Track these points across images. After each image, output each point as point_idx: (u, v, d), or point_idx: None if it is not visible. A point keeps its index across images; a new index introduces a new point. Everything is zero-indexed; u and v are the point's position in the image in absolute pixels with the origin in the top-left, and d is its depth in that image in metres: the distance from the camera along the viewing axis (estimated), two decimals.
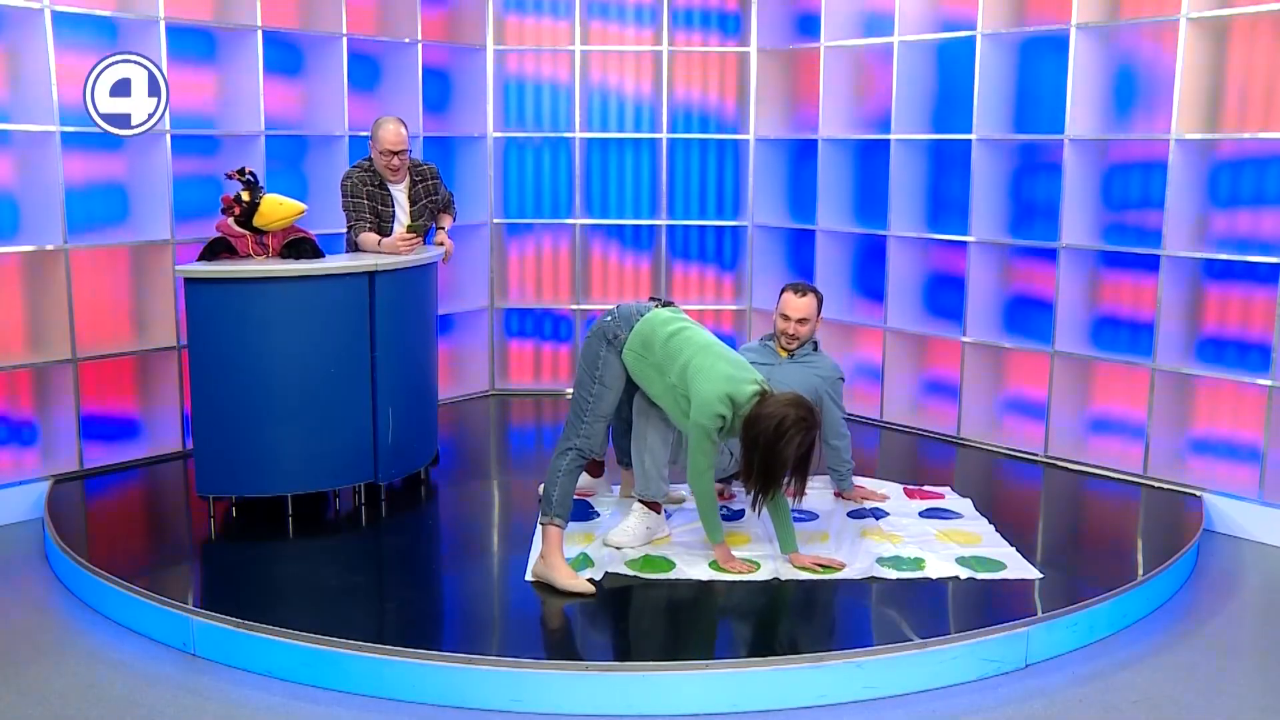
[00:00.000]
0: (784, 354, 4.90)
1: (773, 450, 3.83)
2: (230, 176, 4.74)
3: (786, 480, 3.91)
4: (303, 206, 4.76)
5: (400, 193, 5.22)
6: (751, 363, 4.30)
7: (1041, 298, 5.79)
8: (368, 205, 5.10)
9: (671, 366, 4.07)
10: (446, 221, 5.48)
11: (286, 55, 6.03)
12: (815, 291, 4.91)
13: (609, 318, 4.24)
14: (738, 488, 4.94)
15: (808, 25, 6.63)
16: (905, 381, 6.34)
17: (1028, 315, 5.91)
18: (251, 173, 4.74)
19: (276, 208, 4.69)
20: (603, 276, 7.04)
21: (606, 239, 7.01)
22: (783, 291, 4.91)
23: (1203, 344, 5.33)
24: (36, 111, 5.07)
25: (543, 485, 4.18)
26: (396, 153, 5.09)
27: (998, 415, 6.03)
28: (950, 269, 6.15)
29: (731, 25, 6.87)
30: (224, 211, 4.71)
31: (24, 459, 5.26)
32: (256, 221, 4.68)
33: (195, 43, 5.66)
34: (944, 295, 6.23)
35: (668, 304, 4.35)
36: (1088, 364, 5.61)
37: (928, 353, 6.31)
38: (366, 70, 6.34)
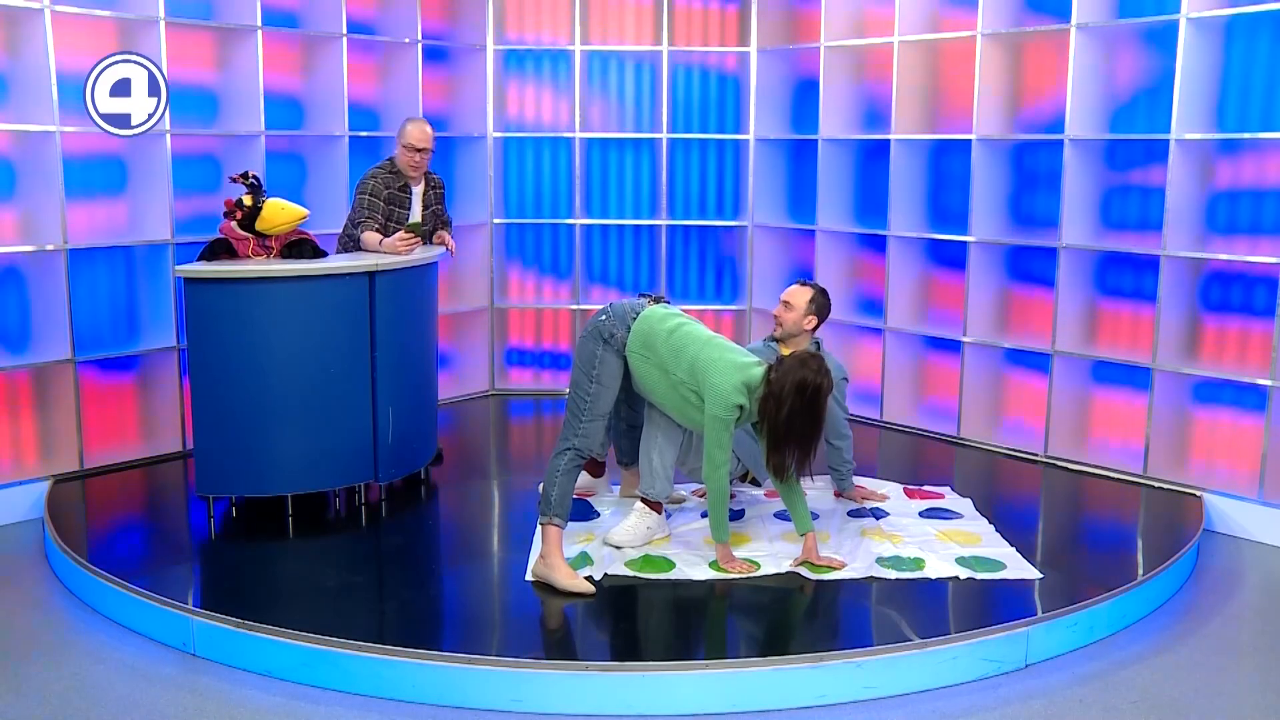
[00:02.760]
0: (787, 353, 4.89)
1: (810, 412, 3.91)
2: (234, 180, 4.74)
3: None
4: (305, 212, 4.76)
5: (416, 198, 5.28)
6: None
7: (1041, 297, 5.78)
8: (383, 208, 5.13)
9: (677, 364, 4.08)
10: (444, 236, 5.50)
11: (288, 56, 6.03)
12: (817, 288, 4.90)
13: (603, 316, 4.24)
14: (738, 488, 4.95)
15: (807, 26, 6.64)
16: (905, 381, 6.34)
17: (1028, 314, 5.91)
18: (255, 176, 4.74)
19: (279, 212, 4.69)
20: (603, 276, 7.04)
21: (606, 239, 7.01)
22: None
23: (1203, 344, 5.33)
24: (36, 112, 5.07)
25: (542, 485, 4.18)
26: (420, 149, 5.17)
27: (998, 415, 6.03)
28: (950, 268, 6.15)
29: (731, 36, 6.87)
30: (226, 215, 4.71)
31: (24, 459, 5.26)
32: (259, 226, 4.68)
33: (195, 44, 5.66)
34: (944, 295, 6.23)
35: (658, 300, 4.36)
36: (1088, 363, 5.61)
37: (928, 352, 6.31)
38: (367, 70, 6.34)
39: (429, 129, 5.22)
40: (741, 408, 3.99)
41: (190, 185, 5.61)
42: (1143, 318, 5.45)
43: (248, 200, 4.67)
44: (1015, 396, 5.98)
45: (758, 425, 4.06)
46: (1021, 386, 5.93)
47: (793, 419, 3.91)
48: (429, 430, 5.27)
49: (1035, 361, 5.76)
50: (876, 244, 6.35)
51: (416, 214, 5.28)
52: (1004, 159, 5.88)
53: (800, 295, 4.84)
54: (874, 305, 6.44)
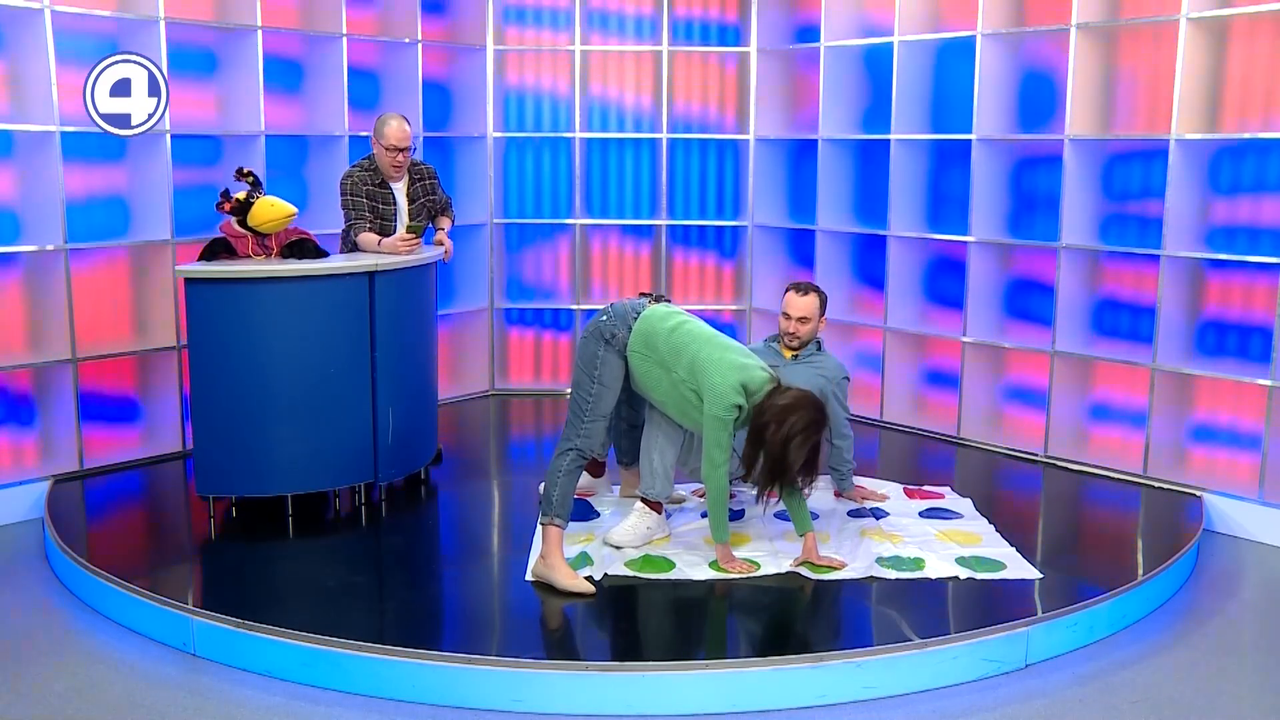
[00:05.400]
0: (789, 354, 4.90)
1: (782, 454, 3.86)
2: (238, 176, 4.76)
3: (798, 477, 3.95)
4: (293, 210, 4.74)
5: (399, 192, 5.22)
6: None
7: (1041, 297, 5.79)
8: (367, 205, 5.09)
9: (677, 362, 4.07)
10: (445, 223, 5.48)
11: (287, 55, 6.03)
12: (818, 291, 4.91)
13: (604, 317, 4.24)
14: (738, 488, 4.94)
15: (807, 26, 6.64)
16: (905, 382, 6.34)
17: (1028, 315, 5.91)
18: (252, 172, 4.75)
19: (268, 209, 4.69)
20: (603, 276, 7.04)
21: (606, 239, 7.01)
22: (786, 291, 4.93)
23: (1203, 345, 5.33)
24: (36, 112, 5.07)
25: (543, 485, 4.18)
26: (402, 149, 5.09)
27: (998, 415, 6.03)
28: (950, 269, 6.15)
29: (731, 36, 6.87)
30: (218, 208, 4.72)
31: (24, 459, 5.26)
32: (250, 221, 4.69)
33: (195, 43, 5.66)
34: (944, 295, 6.23)
35: (659, 299, 4.35)
36: (1088, 364, 5.61)
37: (928, 353, 6.31)
38: (365, 70, 6.34)
39: (407, 126, 5.10)
40: (740, 408, 3.98)
41: (190, 185, 5.60)
42: (1143, 317, 5.45)
43: (240, 196, 4.69)
44: (1015, 396, 5.98)
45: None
46: (1022, 386, 5.93)
47: (768, 455, 3.88)
48: (429, 430, 5.27)
49: (1035, 361, 5.75)
50: (876, 244, 6.35)
51: (402, 209, 5.22)
52: (1004, 159, 5.88)
53: (810, 305, 4.85)
54: (874, 305, 6.43)
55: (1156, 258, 5.20)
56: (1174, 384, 5.28)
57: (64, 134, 5.08)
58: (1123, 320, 5.60)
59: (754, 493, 3.97)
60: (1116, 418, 5.59)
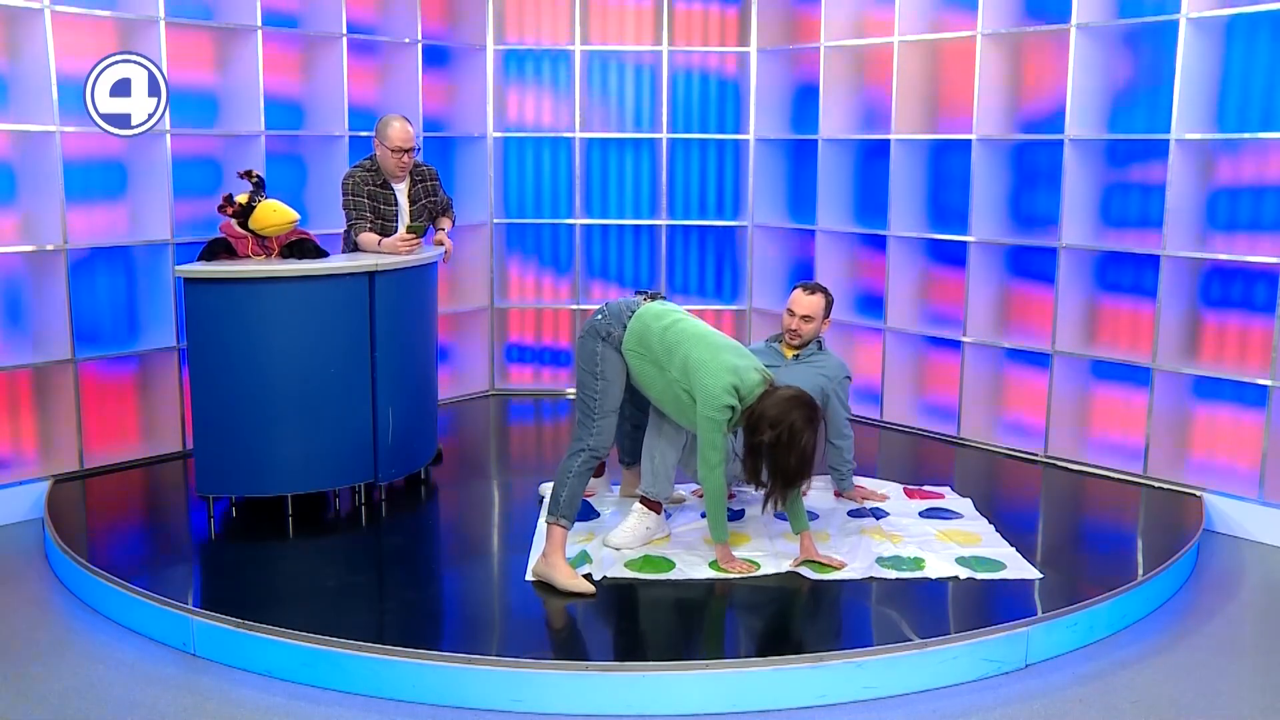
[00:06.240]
0: (790, 354, 4.90)
1: (783, 463, 3.86)
2: (241, 176, 4.76)
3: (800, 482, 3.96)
4: (295, 216, 4.75)
5: (400, 193, 5.22)
6: None
7: (1041, 297, 5.78)
8: (369, 205, 5.09)
9: (671, 360, 4.06)
10: (446, 224, 5.48)
11: (288, 56, 6.03)
12: (825, 292, 4.91)
13: (600, 315, 4.23)
14: (738, 488, 4.94)
15: (807, 26, 6.64)
16: (905, 381, 6.34)
17: (1028, 314, 5.91)
18: (259, 176, 4.76)
19: (270, 214, 4.69)
20: (603, 276, 7.04)
21: (606, 239, 7.01)
22: (794, 288, 4.94)
23: (1203, 343, 5.33)
24: (37, 112, 5.07)
25: (548, 485, 4.17)
26: (406, 150, 5.09)
27: (998, 415, 6.02)
28: (950, 268, 6.15)
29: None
30: (220, 210, 4.72)
31: (24, 459, 5.25)
32: (251, 224, 4.69)
33: (195, 44, 5.66)
34: (944, 295, 6.23)
35: (654, 296, 4.34)
36: (1088, 363, 5.61)
37: (928, 352, 6.30)
38: (367, 70, 6.34)
39: (410, 127, 5.11)
40: (732, 409, 3.96)
41: (190, 186, 5.61)
42: (1142, 317, 5.45)
43: (242, 199, 4.69)
44: (1015, 396, 5.98)
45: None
46: (1021, 386, 5.93)
47: (775, 462, 3.88)
48: (429, 430, 5.27)
49: (1035, 361, 5.75)
50: (876, 244, 6.35)
51: (404, 210, 5.23)
52: (1004, 159, 5.88)
53: (815, 305, 4.85)
54: (874, 305, 6.44)
55: (1156, 258, 5.20)
56: (1174, 383, 5.28)
57: (64, 133, 5.07)
58: (1123, 321, 5.59)
59: (758, 493, 3.98)
60: (1117, 417, 5.57)
